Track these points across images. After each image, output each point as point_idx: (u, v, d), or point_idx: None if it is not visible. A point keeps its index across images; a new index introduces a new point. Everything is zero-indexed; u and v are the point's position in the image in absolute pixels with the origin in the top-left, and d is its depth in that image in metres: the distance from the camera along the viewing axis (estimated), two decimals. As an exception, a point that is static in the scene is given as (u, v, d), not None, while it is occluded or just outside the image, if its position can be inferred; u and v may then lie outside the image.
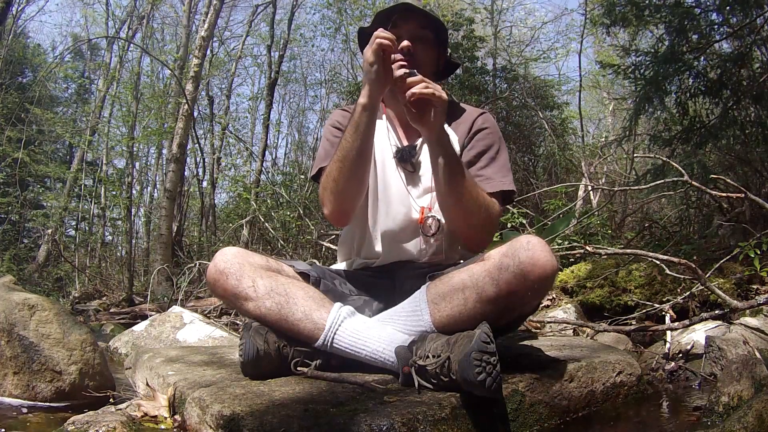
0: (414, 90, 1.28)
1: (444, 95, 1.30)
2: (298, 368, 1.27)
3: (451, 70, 1.76)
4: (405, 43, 1.38)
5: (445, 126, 1.60)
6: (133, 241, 9.60)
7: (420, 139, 1.55)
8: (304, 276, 1.44)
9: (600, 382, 1.36)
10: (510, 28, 10.25)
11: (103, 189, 11.28)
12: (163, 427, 1.18)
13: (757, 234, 2.67)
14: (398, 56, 1.34)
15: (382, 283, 1.54)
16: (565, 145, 7.64)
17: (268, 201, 8.20)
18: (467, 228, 1.45)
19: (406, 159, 1.54)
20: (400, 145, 1.58)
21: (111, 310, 5.47)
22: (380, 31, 1.32)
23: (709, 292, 2.21)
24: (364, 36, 1.62)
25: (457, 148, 1.54)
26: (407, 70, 1.31)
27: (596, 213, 4.78)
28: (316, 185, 1.76)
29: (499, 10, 9.34)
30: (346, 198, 1.46)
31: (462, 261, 1.54)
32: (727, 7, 3.68)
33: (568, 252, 3.31)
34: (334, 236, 5.32)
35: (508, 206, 4.39)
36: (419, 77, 1.29)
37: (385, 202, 1.53)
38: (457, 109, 1.65)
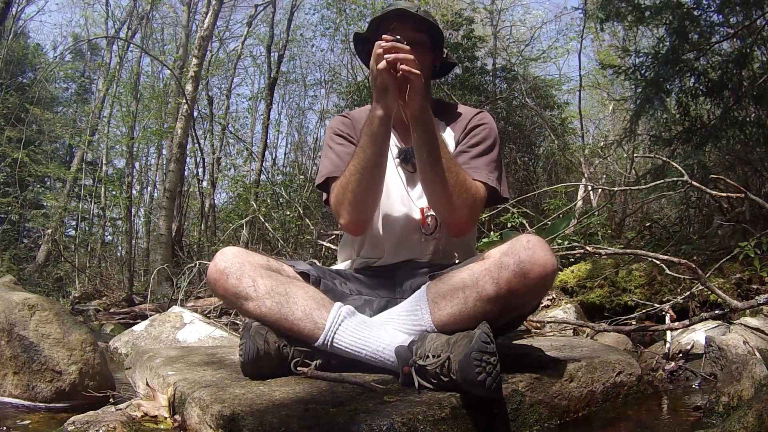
0: (403, 68, 1.28)
1: (418, 72, 1.29)
2: (298, 368, 1.27)
3: (448, 70, 1.77)
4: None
5: (443, 126, 1.61)
6: (133, 241, 9.61)
7: None
8: (305, 276, 1.44)
9: (600, 382, 1.36)
10: (510, 28, 10.25)
11: (103, 189, 11.28)
12: (163, 427, 1.18)
13: (757, 234, 2.67)
14: (386, 36, 1.32)
15: (382, 282, 1.55)
16: (565, 145, 7.64)
17: (268, 201, 8.20)
18: (450, 209, 1.42)
19: (408, 159, 1.55)
20: (399, 147, 1.59)
21: (111, 310, 5.46)
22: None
23: (709, 292, 2.21)
24: (359, 40, 1.64)
25: (452, 146, 1.54)
26: (395, 37, 1.30)
27: (596, 213, 4.78)
28: (315, 185, 1.74)
29: (499, 9, 9.34)
30: (364, 208, 1.46)
31: (458, 261, 1.54)
32: (728, 8, 3.68)
33: (568, 252, 3.30)
34: (334, 236, 5.32)
35: (498, 205, 4.40)
36: (408, 48, 1.29)
37: (387, 203, 1.53)
38: (455, 111, 1.65)
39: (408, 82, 1.30)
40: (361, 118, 1.59)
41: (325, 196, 1.60)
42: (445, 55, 1.65)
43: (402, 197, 1.54)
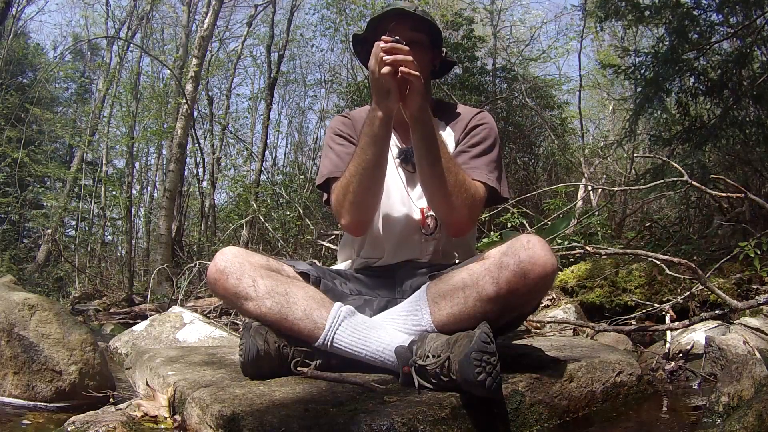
0: (403, 69, 1.27)
1: (418, 73, 1.28)
2: (298, 368, 1.27)
3: (447, 69, 1.76)
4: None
5: (443, 126, 1.61)
6: (133, 241, 9.61)
7: None
8: (305, 276, 1.44)
9: (600, 382, 1.36)
10: (510, 28, 10.25)
11: (103, 189, 11.28)
12: (163, 427, 1.18)
13: (757, 234, 2.67)
14: (385, 37, 1.31)
15: (382, 282, 1.55)
16: (565, 145, 7.63)
17: (268, 201, 8.20)
18: (449, 209, 1.42)
19: (408, 159, 1.55)
20: (399, 147, 1.59)
21: (111, 310, 5.46)
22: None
23: (709, 292, 2.21)
24: (357, 41, 1.63)
25: (452, 145, 1.54)
26: (394, 38, 1.29)
27: (596, 213, 4.78)
28: (315, 186, 1.74)
29: (499, 9, 9.33)
30: (365, 209, 1.46)
31: (458, 261, 1.54)
32: (727, 8, 3.68)
33: (568, 252, 3.30)
34: (334, 236, 5.32)
35: (498, 205, 4.40)
36: (407, 48, 1.28)
37: (387, 204, 1.53)
38: (455, 111, 1.65)
39: (407, 82, 1.30)
40: (361, 118, 1.59)
41: (325, 196, 1.60)
42: (444, 54, 1.65)
43: (402, 197, 1.54)
